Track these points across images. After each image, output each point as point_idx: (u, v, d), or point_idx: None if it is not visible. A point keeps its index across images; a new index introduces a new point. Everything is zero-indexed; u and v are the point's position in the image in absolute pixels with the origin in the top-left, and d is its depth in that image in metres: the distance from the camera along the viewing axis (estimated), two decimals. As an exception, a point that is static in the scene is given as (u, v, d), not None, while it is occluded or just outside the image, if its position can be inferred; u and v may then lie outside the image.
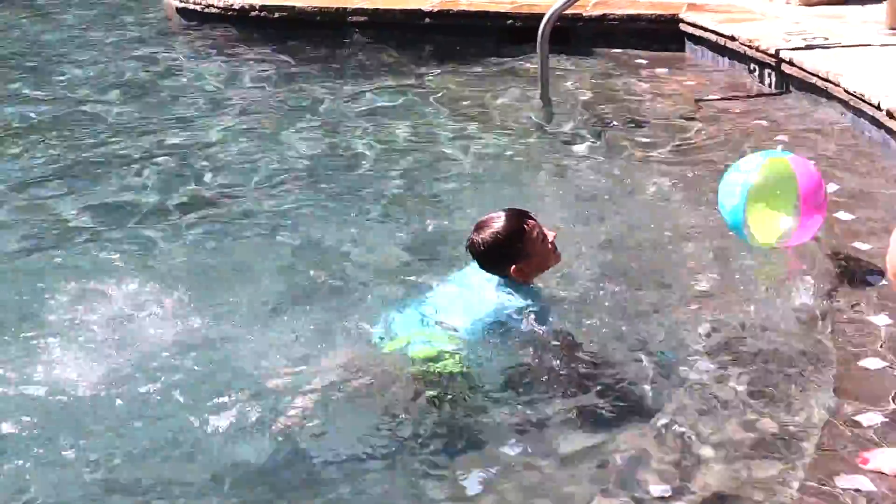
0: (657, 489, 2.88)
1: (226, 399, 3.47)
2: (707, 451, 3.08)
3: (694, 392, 3.44)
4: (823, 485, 2.80)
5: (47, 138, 6.61)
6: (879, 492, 2.75)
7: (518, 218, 3.72)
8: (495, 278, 3.76)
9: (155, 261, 4.70)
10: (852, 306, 3.89)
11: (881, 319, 3.72)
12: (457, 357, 3.65)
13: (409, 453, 3.24)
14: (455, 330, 3.70)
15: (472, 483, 3.09)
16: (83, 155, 6.29)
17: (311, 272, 4.47)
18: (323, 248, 4.80)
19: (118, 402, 3.53)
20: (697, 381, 3.51)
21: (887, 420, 3.08)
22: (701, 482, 2.93)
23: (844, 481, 2.80)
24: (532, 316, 3.69)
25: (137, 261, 4.72)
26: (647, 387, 3.52)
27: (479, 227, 3.73)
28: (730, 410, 3.29)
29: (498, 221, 3.70)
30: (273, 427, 3.33)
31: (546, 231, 3.76)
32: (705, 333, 3.81)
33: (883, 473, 2.81)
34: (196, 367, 3.75)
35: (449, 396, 3.53)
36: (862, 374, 3.41)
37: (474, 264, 3.82)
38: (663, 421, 3.24)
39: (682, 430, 3.19)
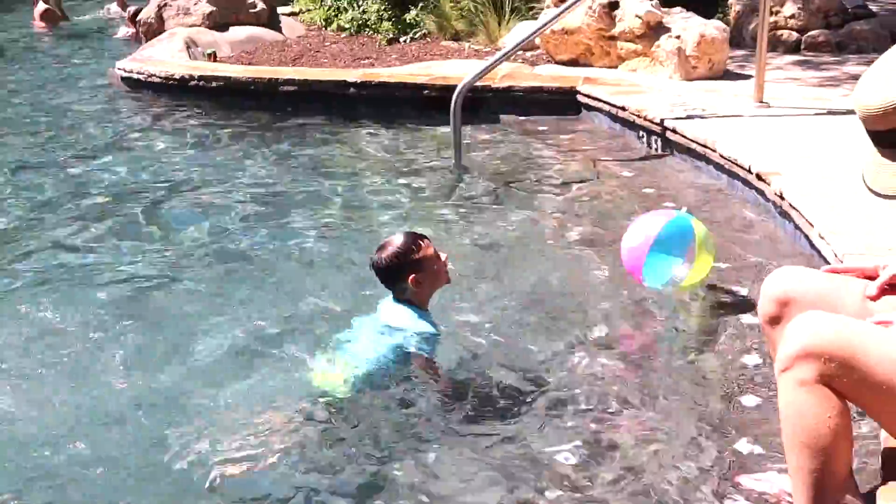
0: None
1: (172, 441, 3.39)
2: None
3: (582, 421, 3.47)
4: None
5: None
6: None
7: (414, 235, 3.83)
8: (399, 307, 3.80)
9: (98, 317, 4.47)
10: (731, 345, 3.97)
11: (752, 359, 3.79)
12: (352, 382, 3.67)
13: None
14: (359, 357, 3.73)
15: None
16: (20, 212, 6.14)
17: (252, 318, 4.39)
18: (261, 294, 4.74)
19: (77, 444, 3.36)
20: (587, 410, 3.54)
21: (757, 449, 3.15)
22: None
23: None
24: (420, 340, 3.73)
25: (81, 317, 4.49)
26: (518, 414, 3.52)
27: (381, 247, 3.80)
28: (620, 431, 3.35)
29: (397, 238, 3.80)
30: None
31: (439, 252, 3.83)
32: (594, 373, 3.81)
33: (765, 497, 2.88)
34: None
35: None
36: (741, 409, 3.47)
37: (383, 302, 3.87)
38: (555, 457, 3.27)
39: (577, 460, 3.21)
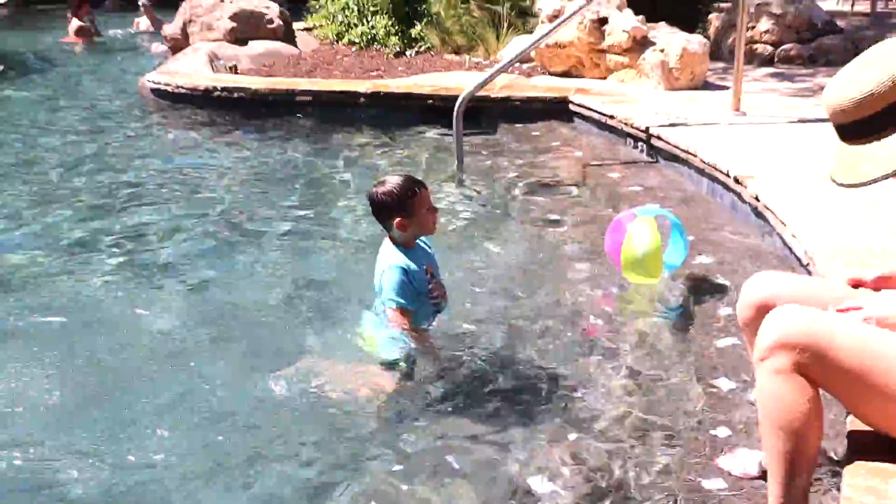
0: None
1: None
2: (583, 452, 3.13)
3: (578, 399, 3.49)
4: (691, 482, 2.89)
5: (20, 208, 6.28)
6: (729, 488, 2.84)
7: (412, 181, 3.77)
8: (385, 245, 3.83)
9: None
10: (709, 334, 3.98)
11: (727, 347, 3.81)
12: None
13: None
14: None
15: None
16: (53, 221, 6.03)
17: (289, 302, 4.46)
18: (292, 281, 4.80)
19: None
20: (571, 395, 3.55)
21: (733, 433, 3.16)
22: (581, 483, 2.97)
23: (707, 482, 2.88)
24: (390, 289, 3.71)
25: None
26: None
27: (381, 182, 3.76)
28: (612, 406, 3.37)
29: (395, 179, 3.75)
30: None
31: (434, 205, 3.81)
32: (589, 353, 3.84)
33: (732, 475, 2.90)
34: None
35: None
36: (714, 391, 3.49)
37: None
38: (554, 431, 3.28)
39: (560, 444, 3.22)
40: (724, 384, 3.50)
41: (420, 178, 3.90)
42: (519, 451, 3.17)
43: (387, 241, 3.85)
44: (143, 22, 14.98)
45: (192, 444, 3.29)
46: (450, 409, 3.48)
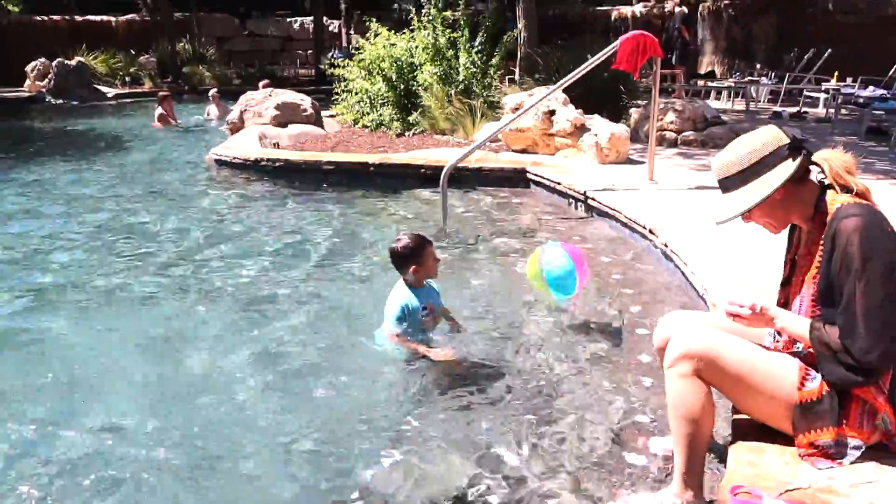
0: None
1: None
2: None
3: (527, 403, 3.47)
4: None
5: (99, 253, 6.16)
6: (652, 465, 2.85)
7: (424, 239, 3.91)
8: (398, 285, 3.92)
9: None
10: (634, 347, 4.00)
11: (646, 358, 3.83)
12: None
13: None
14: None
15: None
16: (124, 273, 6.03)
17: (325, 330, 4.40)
18: (320, 303, 4.80)
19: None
20: (531, 395, 3.54)
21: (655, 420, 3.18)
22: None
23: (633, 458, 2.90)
24: (395, 315, 3.83)
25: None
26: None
27: (398, 239, 3.88)
28: (562, 399, 3.36)
29: (411, 237, 3.88)
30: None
31: (437, 255, 3.96)
32: (537, 368, 3.82)
33: (658, 453, 2.92)
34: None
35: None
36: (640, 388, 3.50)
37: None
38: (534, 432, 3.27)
39: (518, 433, 3.21)
40: (646, 381, 3.56)
41: (426, 236, 3.98)
42: (491, 431, 3.18)
43: (400, 282, 3.93)
44: (212, 110, 15.02)
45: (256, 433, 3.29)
46: (435, 393, 3.51)
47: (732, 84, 15.77)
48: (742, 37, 20.26)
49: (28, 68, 21.03)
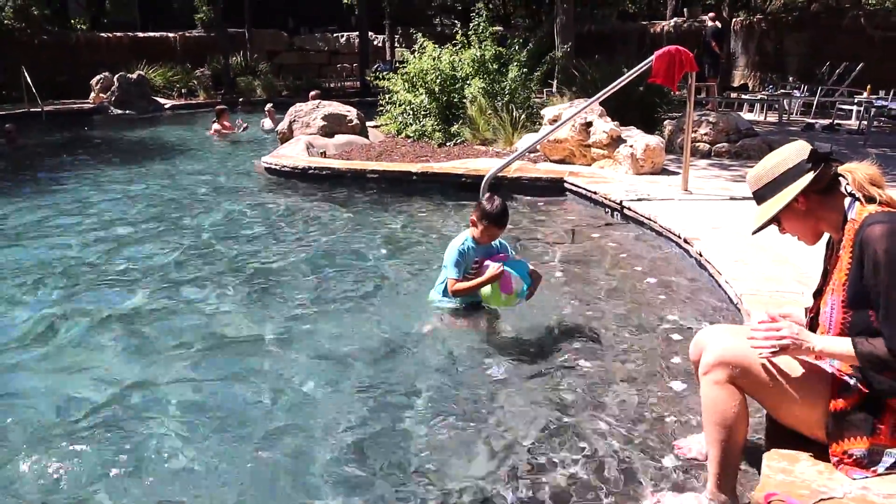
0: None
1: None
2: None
3: (557, 403, 3.46)
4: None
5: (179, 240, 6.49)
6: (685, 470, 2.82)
7: (493, 212, 4.16)
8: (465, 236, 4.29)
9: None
10: (668, 352, 3.95)
11: (678, 362, 3.77)
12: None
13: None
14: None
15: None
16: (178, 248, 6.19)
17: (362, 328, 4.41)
18: (374, 288, 5.02)
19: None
20: (563, 398, 3.52)
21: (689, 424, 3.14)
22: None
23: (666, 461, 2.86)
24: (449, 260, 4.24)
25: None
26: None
27: (491, 196, 4.27)
28: (593, 400, 3.34)
29: (492, 201, 4.20)
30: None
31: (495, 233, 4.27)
32: (572, 371, 3.80)
33: (692, 458, 2.88)
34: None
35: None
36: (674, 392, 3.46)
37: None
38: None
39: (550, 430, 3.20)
40: (678, 385, 3.51)
41: (497, 215, 4.17)
42: (522, 430, 3.15)
43: (466, 231, 4.28)
44: (267, 123, 15.25)
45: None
46: (465, 392, 3.50)
47: (765, 96, 15.53)
48: (774, 50, 19.94)
49: (93, 81, 21.54)
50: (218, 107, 15.79)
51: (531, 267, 4.29)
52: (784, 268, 4.44)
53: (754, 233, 2.50)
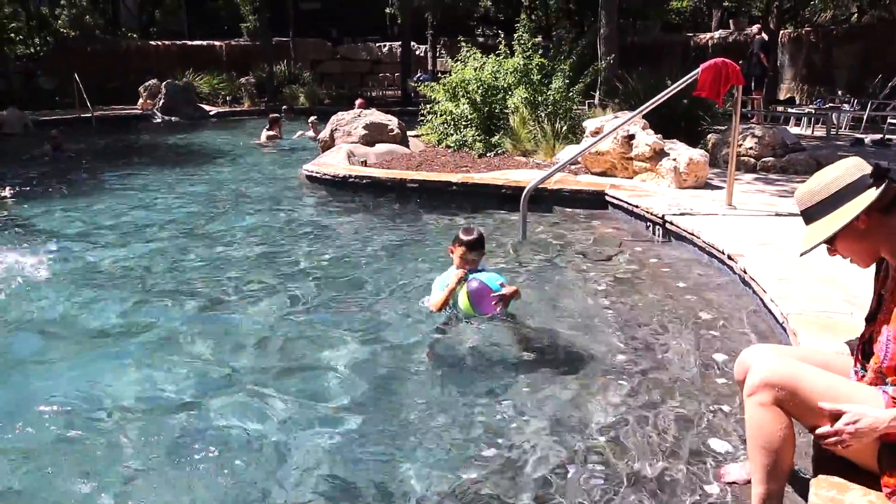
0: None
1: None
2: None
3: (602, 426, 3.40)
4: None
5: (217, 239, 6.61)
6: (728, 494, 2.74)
7: (465, 239, 4.43)
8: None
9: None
10: (709, 373, 3.87)
11: (724, 383, 3.69)
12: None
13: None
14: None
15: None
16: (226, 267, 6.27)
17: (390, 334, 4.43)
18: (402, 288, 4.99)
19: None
20: (604, 421, 3.46)
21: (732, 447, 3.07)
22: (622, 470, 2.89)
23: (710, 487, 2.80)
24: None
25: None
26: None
27: (471, 227, 4.59)
28: (639, 417, 3.28)
29: (467, 230, 4.52)
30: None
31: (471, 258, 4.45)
32: (619, 377, 3.76)
33: (734, 483, 2.81)
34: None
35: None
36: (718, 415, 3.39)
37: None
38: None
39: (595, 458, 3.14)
40: (725, 411, 3.41)
41: (471, 242, 4.41)
42: (562, 449, 3.10)
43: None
44: (309, 133, 15.46)
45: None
46: (508, 414, 3.45)
47: (813, 110, 15.24)
48: (823, 63, 19.59)
49: (141, 88, 22.04)
50: (272, 115, 16.13)
51: (502, 281, 4.34)
52: (831, 287, 4.33)
53: (804, 254, 2.37)
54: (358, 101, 14.73)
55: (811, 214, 2.36)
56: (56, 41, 26.95)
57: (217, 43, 27.83)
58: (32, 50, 27.23)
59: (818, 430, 2.30)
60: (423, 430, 3.31)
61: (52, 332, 4.56)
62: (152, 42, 28.04)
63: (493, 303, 4.22)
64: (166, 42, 27.77)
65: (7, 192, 9.20)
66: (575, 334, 4.42)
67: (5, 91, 21.68)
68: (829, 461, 2.37)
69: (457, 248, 4.44)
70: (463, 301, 4.31)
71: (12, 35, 25.36)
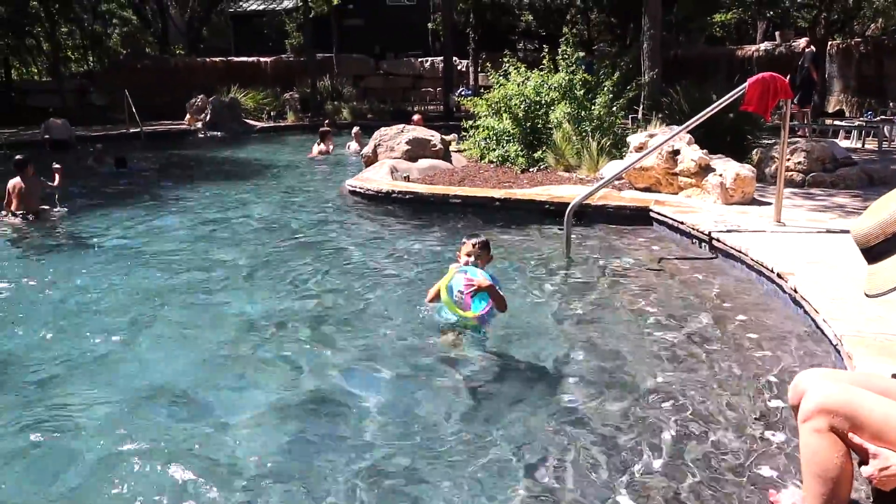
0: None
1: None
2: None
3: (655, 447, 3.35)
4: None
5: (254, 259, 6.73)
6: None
7: (471, 241, 4.79)
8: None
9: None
10: (760, 394, 3.79)
11: (777, 405, 3.62)
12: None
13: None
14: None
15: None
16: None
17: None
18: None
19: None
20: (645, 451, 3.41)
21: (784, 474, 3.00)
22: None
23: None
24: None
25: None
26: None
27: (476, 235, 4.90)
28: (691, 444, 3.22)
29: (472, 235, 4.88)
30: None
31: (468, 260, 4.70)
32: (664, 399, 3.71)
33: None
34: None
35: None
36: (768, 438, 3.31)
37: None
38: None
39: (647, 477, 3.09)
40: (777, 437, 3.32)
41: (470, 237, 4.81)
42: (607, 478, 3.06)
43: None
44: (353, 145, 15.63)
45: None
46: (551, 430, 3.42)
47: (863, 123, 14.91)
48: (874, 74, 19.18)
49: (188, 104, 22.53)
50: (322, 129, 16.37)
51: (486, 276, 4.49)
52: (888, 308, 4.19)
53: (875, 297, 2.23)
54: (415, 118, 14.89)
55: (878, 253, 2.23)
56: (108, 59, 27.75)
57: (262, 59, 28.35)
58: (86, 67, 28.06)
59: (863, 469, 2.24)
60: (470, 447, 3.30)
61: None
62: (199, 59, 28.69)
63: (466, 287, 4.40)
64: (213, 59, 28.39)
65: (59, 210, 9.47)
66: (618, 353, 4.36)
67: (60, 108, 22.36)
68: (892, 494, 2.30)
69: (461, 248, 4.78)
70: (444, 295, 4.43)
71: (69, 53, 26.17)
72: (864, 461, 2.31)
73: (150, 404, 3.82)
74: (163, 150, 17.45)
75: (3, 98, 24.35)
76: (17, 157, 9.21)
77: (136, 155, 15.56)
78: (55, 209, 9.37)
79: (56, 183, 9.38)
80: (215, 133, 21.02)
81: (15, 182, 8.95)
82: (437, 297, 4.59)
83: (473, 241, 4.77)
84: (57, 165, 9.59)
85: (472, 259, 4.65)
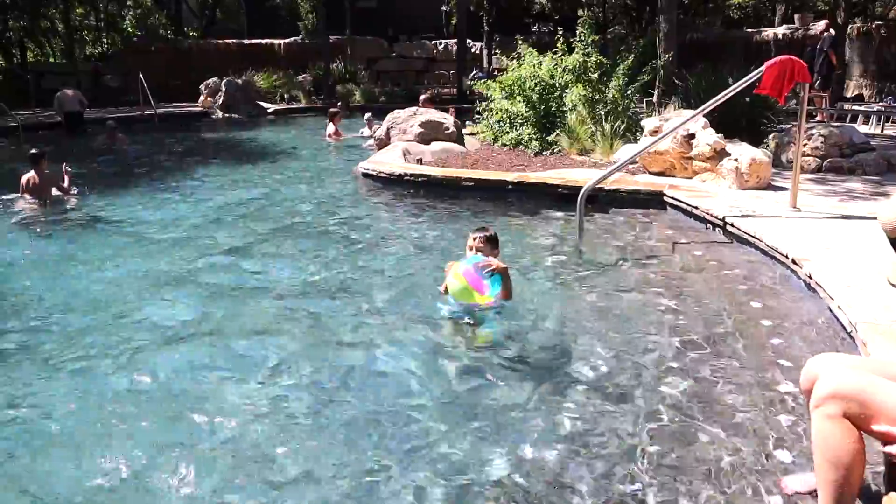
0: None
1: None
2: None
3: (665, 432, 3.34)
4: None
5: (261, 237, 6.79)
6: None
7: (475, 232, 4.81)
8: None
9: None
10: (772, 380, 3.77)
11: (788, 390, 3.60)
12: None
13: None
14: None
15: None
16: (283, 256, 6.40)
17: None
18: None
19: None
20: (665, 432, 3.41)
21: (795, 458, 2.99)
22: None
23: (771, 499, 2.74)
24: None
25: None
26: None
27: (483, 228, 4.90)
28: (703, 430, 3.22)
29: (477, 228, 4.90)
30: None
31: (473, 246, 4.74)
32: (681, 383, 3.69)
33: (798, 493, 2.74)
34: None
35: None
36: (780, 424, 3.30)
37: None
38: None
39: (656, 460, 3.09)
40: (789, 422, 3.32)
41: (477, 230, 4.84)
42: (618, 463, 3.07)
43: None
44: (365, 130, 15.61)
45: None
46: (566, 414, 3.42)
47: (882, 108, 14.73)
48: (894, 58, 18.92)
49: (202, 86, 22.55)
50: (331, 109, 16.26)
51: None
52: (903, 295, 4.17)
53: None
54: (422, 98, 14.66)
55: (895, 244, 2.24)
56: (122, 41, 27.80)
57: (275, 41, 28.30)
58: (100, 50, 28.11)
59: (886, 448, 2.23)
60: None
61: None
62: (213, 41, 28.68)
63: (482, 267, 4.41)
64: (226, 41, 28.38)
65: (75, 191, 9.51)
66: (630, 338, 4.36)
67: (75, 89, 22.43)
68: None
69: (469, 239, 4.78)
70: (457, 282, 4.44)
71: (85, 34, 26.21)
72: (883, 444, 2.30)
73: (174, 380, 3.88)
74: (175, 131, 17.49)
75: (19, 80, 24.46)
76: (33, 150, 9.24)
77: (150, 136, 15.60)
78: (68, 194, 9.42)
79: (66, 184, 9.34)
80: (229, 115, 21.05)
81: (29, 176, 9.02)
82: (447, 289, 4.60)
83: (479, 234, 4.75)
84: (68, 168, 9.55)
85: (478, 253, 4.63)
